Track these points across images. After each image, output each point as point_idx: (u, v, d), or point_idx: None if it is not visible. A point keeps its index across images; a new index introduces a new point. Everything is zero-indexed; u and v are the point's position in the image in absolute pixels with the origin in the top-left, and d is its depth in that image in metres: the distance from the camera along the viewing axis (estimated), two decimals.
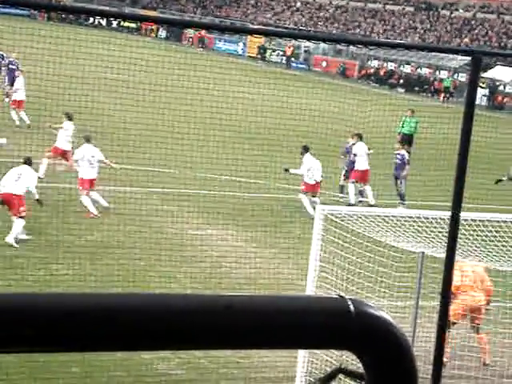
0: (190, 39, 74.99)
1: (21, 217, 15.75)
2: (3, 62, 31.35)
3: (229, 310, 1.48)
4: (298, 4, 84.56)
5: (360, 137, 22.60)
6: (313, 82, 43.40)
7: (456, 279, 10.58)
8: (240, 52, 73.21)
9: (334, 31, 76.06)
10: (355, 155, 22.51)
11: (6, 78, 30.66)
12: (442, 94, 57.18)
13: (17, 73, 30.08)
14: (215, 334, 1.47)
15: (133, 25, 74.10)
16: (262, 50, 71.69)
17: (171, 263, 14.56)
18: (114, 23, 73.47)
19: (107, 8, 73.67)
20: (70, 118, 20.95)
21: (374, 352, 1.53)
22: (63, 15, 68.06)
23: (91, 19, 72.98)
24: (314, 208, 18.21)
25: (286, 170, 20.85)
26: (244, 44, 73.91)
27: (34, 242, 15.39)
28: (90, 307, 1.46)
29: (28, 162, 16.68)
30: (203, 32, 66.78)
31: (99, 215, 17.56)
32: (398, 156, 23.08)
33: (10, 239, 15.47)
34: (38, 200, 16.37)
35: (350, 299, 1.55)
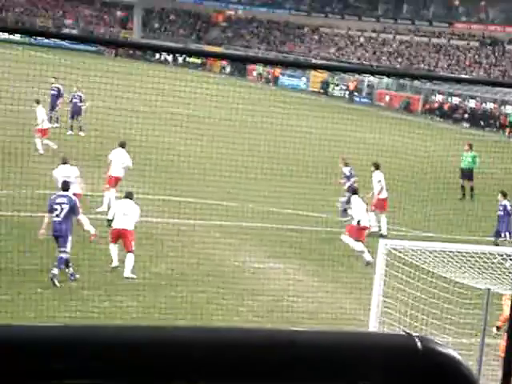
0: (259, 75, 75.62)
1: (130, 251, 15.88)
2: (68, 95, 32.16)
3: (293, 345, 1.47)
4: (362, 39, 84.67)
5: (377, 166, 22.18)
6: (376, 116, 43.27)
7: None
8: (303, 87, 73.52)
9: (398, 66, 75.87)
10: (379, 183, 21.96)
11: (70, 111, 31.45)
12: (508, 129, 56.44)
13: (80, 105, 30.92)
14: (279, 369, 1.45)
15: (198, 60, 75.04)
16: (325, 84, 71.85)
17: (233, 296, 14.58)
18: (180, 59, 74.53)
19: (173, 44, 74.78)
20: (122, 146, 20.93)
21: None
22: (130, 51, 69.19)
23: (157, 55, 74.09)
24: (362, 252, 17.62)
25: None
26: (307, 79, 74.24)
27: (99, 274, 15.58)
28: (160, 340, 1.46)
29: (130, 196, 16.94)
30: (268, 67, 67.22)
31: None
32: (500, 207, 21.49)
33: (127, 273, 15.55)
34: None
35: (418, 336, 1.51)
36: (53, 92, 31.88)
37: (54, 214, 15.23)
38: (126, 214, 16.37)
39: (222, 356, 1.46)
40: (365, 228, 19.48)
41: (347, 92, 69.41)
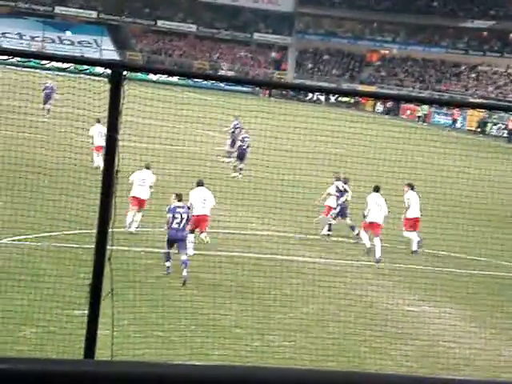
0: (411, 114, 74.81)
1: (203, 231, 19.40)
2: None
3: None
4: None
5: (412, 187, 22.77)
6: None
7: None
8: (458, 125, 72.12)
9: None
10: (409, 204, 22.72)
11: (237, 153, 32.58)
12: None
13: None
14: None
15: (351, 100, 75.17)
16: (482, 123, 70.19)
17: (386, 339, 14.26)
18: (332, 98, 74.90)
19: (325, 84, 75.29)
20: (148, 167, 21.55)
21: None
22: (284, 91, 70.19)
23: (310, 95, 74.78)
24: None
25: None
26: (463, 117, 72.80)
27: (251, 312, 15.64)
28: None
29: (201, 183, 19.60)
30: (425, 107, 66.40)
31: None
32: None
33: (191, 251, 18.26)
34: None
35: None
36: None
37: (175, 222, 17.61)
38: (204, 201, 19.50)
39: None
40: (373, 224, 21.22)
41: (506, 131, 67.48)
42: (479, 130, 69.19)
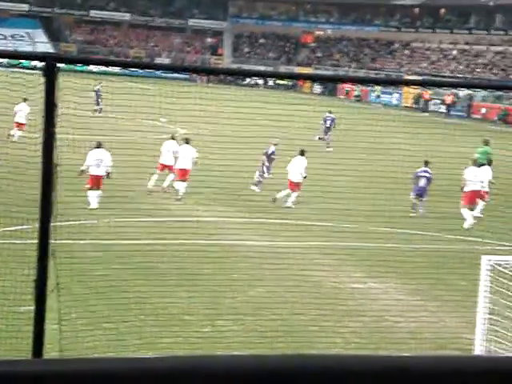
0: (347, 93, 75.35)
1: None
2: None
3: (405, 374, 1.39)
4: (455, 52, 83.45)
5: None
6: (473, 130, 42.41)
7: None
8: (395, 103, 72.93)
9: (493, 77, 74.39)
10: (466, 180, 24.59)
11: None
12: None
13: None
14: None
15: (289, 82, 75.41)
16: (419, 99, 71.06)
17: (333, 318, 14.44)
18: (271, 82, 75.01)
19: (263, 68, 75.40)
20: (99, 146, 23.62)
21: None
22: (222, 77, 69.97)
23: (248, 79, 74.76)
24: None
25: None
26: (400, 94, 73.62)
27: (200, 299, 15.69)
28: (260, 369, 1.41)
29: (99, 145, 23.10)
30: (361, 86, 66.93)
31: None
32: None
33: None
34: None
35: None
36: None
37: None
38: (100, 161, 23.08)
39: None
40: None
41: (443, 106, 68.45)
42: (416, 106, 69.96)
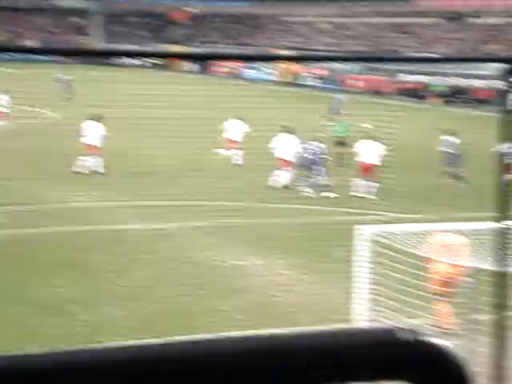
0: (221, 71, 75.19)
1: None
2: None
3: (271, 353, 1.30)
4: (325, 25, 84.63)
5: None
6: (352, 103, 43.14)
7: None
8: (269, 78, 73.39)
9: (365, 49, 75.70)
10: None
11: None
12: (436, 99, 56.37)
13: None
14: (262, 379, 1.30)
15: (161, 62, 74.75)
16: (294, 75, 71.77)
17: (217, 295, 14.39)
18: (138, 62, 74.35)
19: (134, 47, 74.47)
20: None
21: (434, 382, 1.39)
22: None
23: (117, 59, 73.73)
24: None
25: None
26: (274, 69, 74.08)
27: (82, 287, 15.31)
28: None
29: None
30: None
31: None
32: None
33: None
34: None
35: (408, 330, 1.39)
36: None
37: None
38: None
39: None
40: None
41: (317, 80, 69.40)
42: (291, 81, 70.44)
